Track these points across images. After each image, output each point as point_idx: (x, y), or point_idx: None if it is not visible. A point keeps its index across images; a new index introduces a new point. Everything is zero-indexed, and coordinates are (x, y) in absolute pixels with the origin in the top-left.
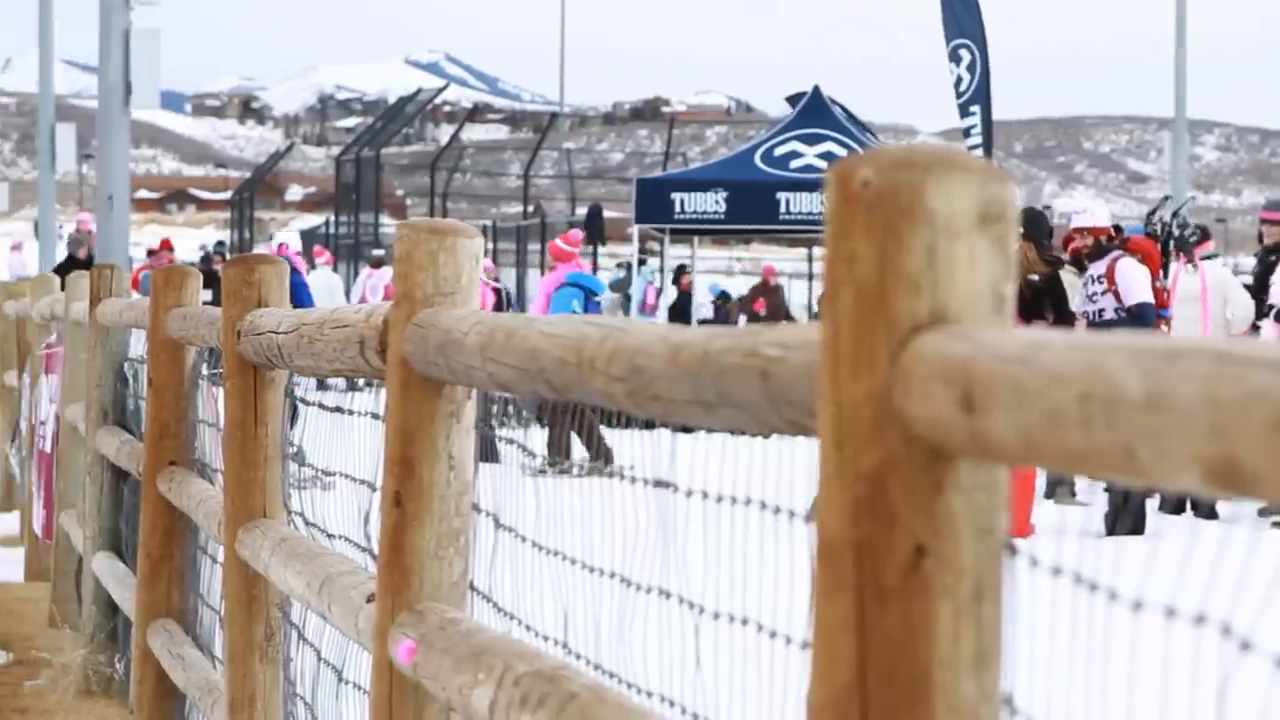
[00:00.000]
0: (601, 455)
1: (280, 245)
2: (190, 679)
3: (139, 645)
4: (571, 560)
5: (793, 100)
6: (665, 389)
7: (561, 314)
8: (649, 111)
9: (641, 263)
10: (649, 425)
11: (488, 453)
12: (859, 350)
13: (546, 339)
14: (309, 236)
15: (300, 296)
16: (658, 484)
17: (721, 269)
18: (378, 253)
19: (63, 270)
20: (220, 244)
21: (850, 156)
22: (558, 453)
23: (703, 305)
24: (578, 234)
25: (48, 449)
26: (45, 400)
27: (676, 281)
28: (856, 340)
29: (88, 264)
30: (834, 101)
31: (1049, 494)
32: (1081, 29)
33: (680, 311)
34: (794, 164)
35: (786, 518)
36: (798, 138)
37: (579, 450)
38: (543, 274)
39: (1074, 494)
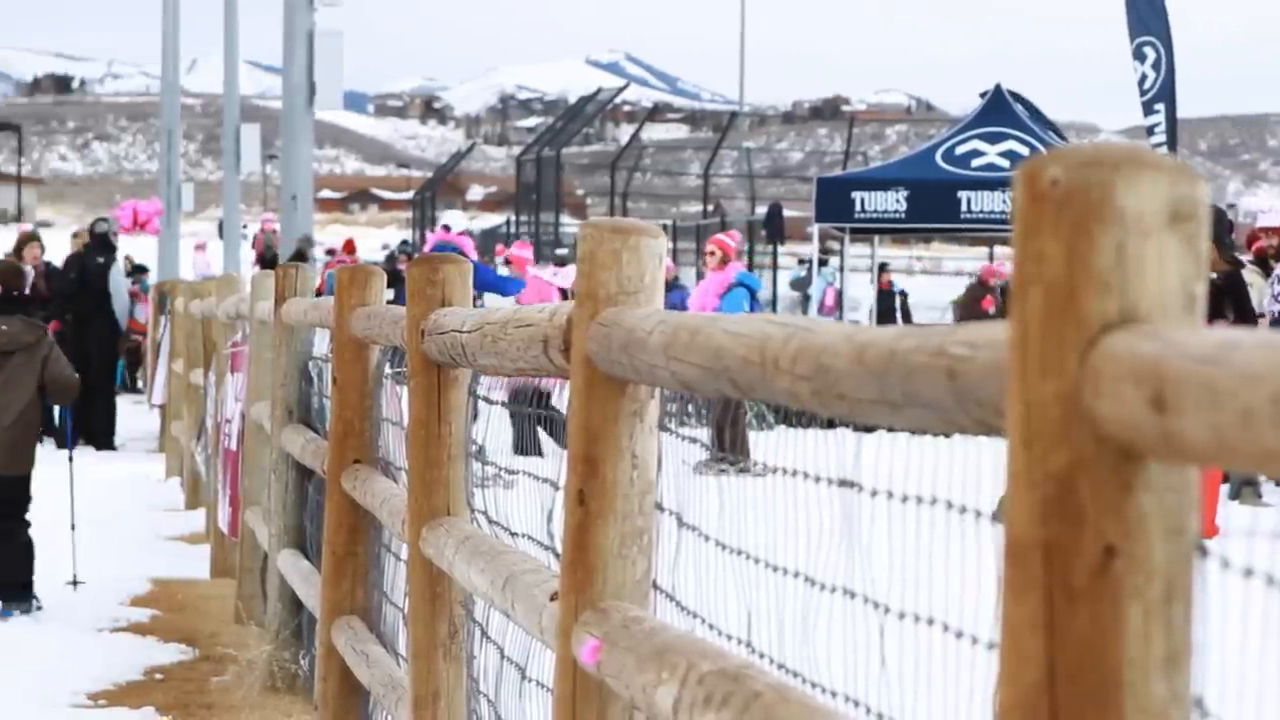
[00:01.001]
0: (742, 454)
1: (442, 228)
2: (374, 676)
3: (323, 642)
4: (755, 559)
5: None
6: (851, 388)
7: (742, 313)
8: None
9: (822, 263)
10: (829, 424)
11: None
12: (1048, 350)
13: (730, 338)
14: (489, 236)
15: (483, 275)
16: (842, 483)
17: (901, 268)
18: (561, 252)
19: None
20: (405, 243)
21: (1039, 155)
22: (732, 451)
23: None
24: (736, 234)
25: (233, 447)
26: (231, 399)
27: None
28: (1045, 339)
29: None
30: (1016, 99)
31: (1234, 495)
32: (1267, 24)
33: (883, 311)
34: (975, 163)
35: (972, 517)
36: (979, 136)
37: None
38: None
39: (1259, 495)
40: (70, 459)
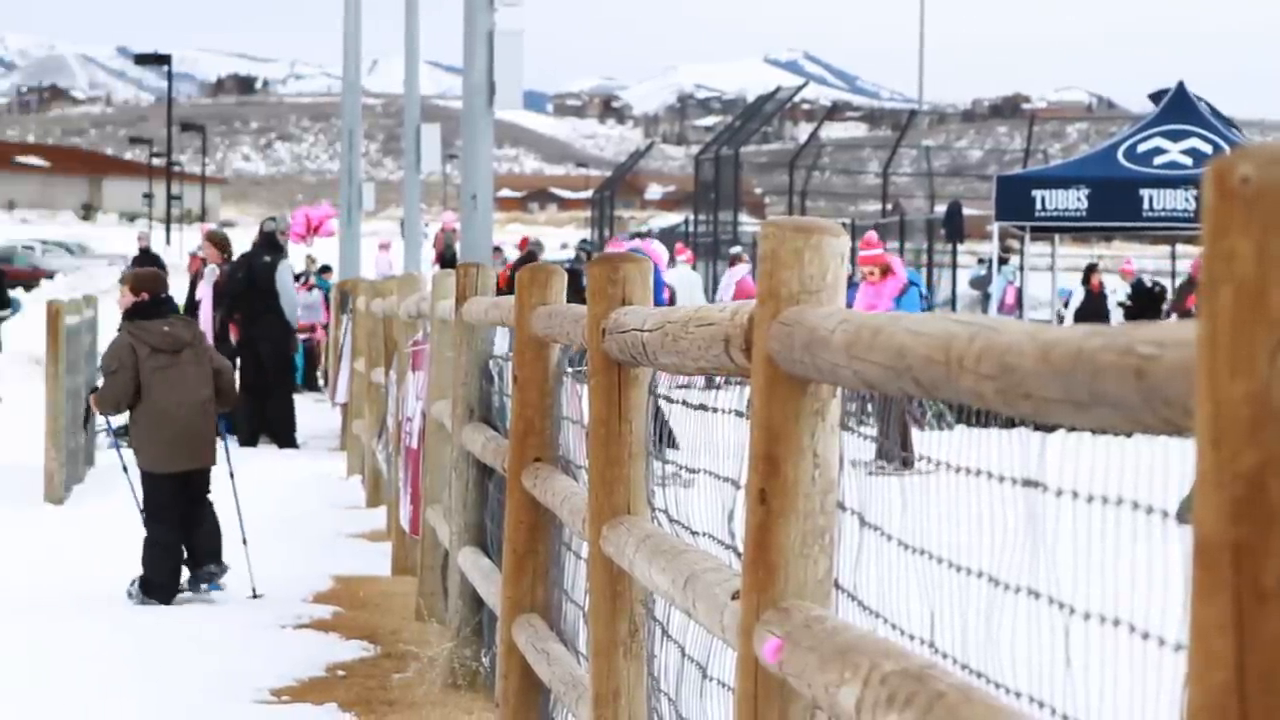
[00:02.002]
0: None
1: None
2: (555, 673)
3: (504, 640)
4: (938, 559)
5: (1155, 98)
6: (1036, 387)
7: (924, 313)
8: (1008, 109)
9: (1003, 261)
10: (1009, 424)
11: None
12: (1237, 349)
13: (913, 337)
14: (668, 235)
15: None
16: (1026, 483)
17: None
18: (735, 250)
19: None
20: (585, 242)
21: (1227, 153)
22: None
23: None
24: (873, 236)
25: (414, 445)
26: (412, 397)
27: (1086, 282)
28: (1235, 339)
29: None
30: (1198, 98)
31: None
32: None
33: (1091, 313)
34: (1158, 160)
35: (1158, 517)
36: (1162, 134)
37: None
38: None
39: None
40: (231, 475)
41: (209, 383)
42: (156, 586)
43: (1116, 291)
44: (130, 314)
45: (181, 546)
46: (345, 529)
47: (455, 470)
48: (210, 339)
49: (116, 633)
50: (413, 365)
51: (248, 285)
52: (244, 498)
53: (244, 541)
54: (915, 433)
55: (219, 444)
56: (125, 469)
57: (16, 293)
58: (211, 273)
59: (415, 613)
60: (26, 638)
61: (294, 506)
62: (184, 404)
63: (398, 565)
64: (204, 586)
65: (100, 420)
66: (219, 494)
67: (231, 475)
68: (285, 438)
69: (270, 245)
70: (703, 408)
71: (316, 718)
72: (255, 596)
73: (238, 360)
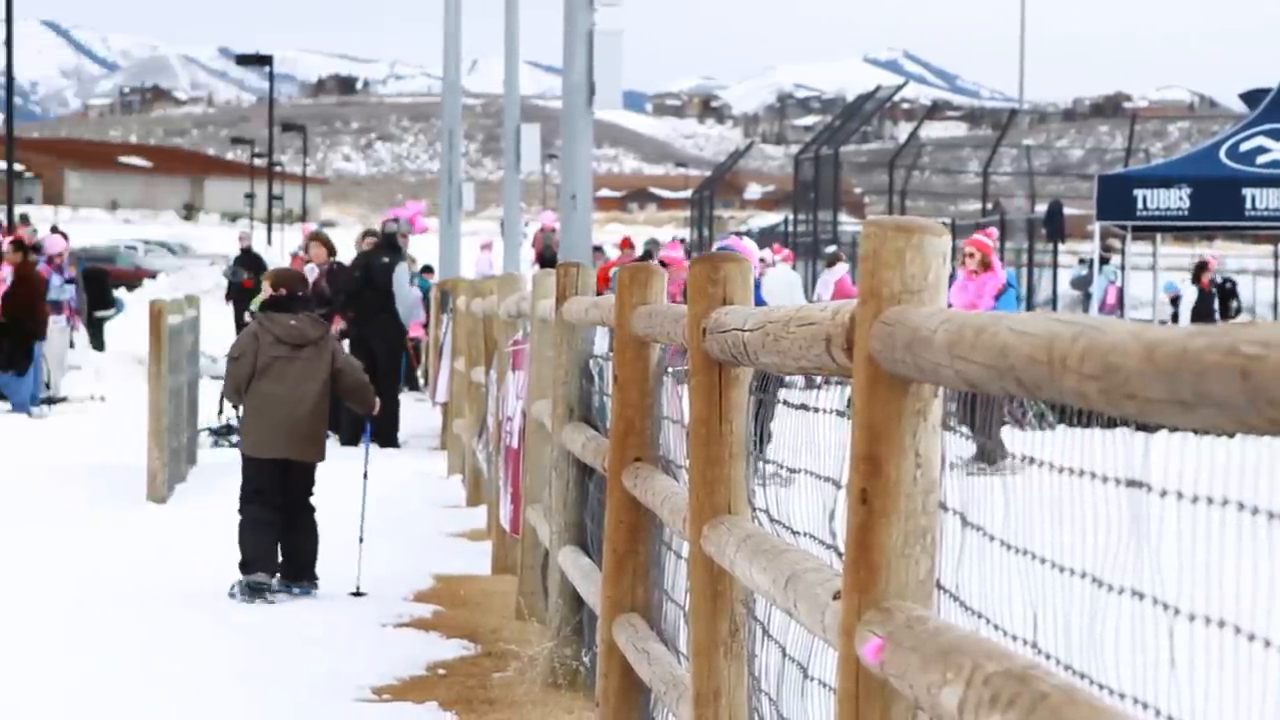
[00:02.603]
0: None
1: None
2: (655, 673)
3: (604, 639)
4: (1041, 559)
5: (1246, 97)
6: (1140, 388)
7: (1025, 312)
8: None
9: (1104, 260)
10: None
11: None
12: None
13: (1016, 336)
14: (767, 234)
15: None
16: (1130, 483)
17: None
18: (832, 249)
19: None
20: (680, 242)
21: None
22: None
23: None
24: (993, 231)
25: (514, 445)
26: (512, 397)
27: (1196, 280)
28: None
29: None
30: None
31: None
32: None
33: (1204, 312)
34: (1260, 160)
35: (1264, 519)
36: (1265, 133)
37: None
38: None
39: None
40: (366, 475)
41: (322, 381)
42: (253, 561)
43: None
44: (264, 306)
45: (275, 525)
46: (446, 528)
47: (555, 470)
48: None
49: (220, 630)
50: (513, 364)
51: (364, 284)
52: (348, 496)
53: (360, 540)
54: (1016, 433)
55: (355, 430)
56: (366, 475)
57: (119, 293)
58: (311, 272)
59: (515, 612)
60: (131, 636)
61: (395, 506)
62: (291, 395)
63: (498, 564)
64: (295, 590)
65: (229, 410)
66: (343, 490)
67: (366, 476)
68: (387, 437)
69: (390, 246)
70: (804, 407)
71: (417, 716)
72: (358, 594)
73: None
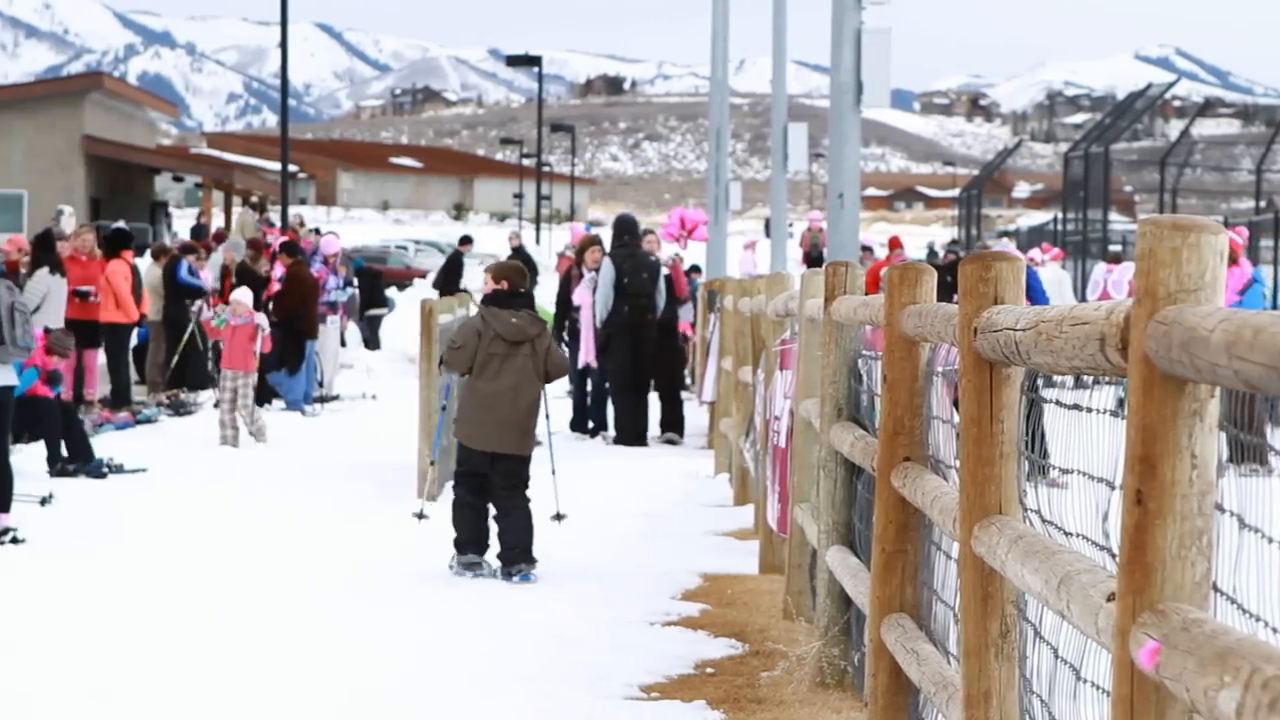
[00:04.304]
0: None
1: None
2: (924, 674)
3: (873, 639)
4: None
5: None
6: None
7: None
8: None
9: None
10: None
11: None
12: None
13: None
14: (1036, 233)
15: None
16: None
17: None
18: (1115, 248)
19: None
20: (954, 242)
21: None
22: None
23: None
24: (1244, 230)
25: (782, 444)
26: (779, 396)
27: None
28: None
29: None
30: None
31: None
32: None
33: None
34: None
35: None
36: None
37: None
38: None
39: None
40: (553, 472)
41: (536, 378)
42: (464, 543)
43: None
44: (487, 299)
45: (481, 509)
46: (713, 527)
47: (823, 469)
48: (590, 343)
49: (488, 628)
50: (781, 364)
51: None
52: (614, 495)
53: (557, 519)
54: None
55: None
56: (554, 472)
57: (390, 292)
58: (591, 280)
59: (783, 611)
60: (402, 632)
61: (661, 504)
62: (507, 392)
63: (765, 563)
64: (515, 578)
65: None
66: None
67: (553, 472)
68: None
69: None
70: (1076, 407)
71: (686, 715)
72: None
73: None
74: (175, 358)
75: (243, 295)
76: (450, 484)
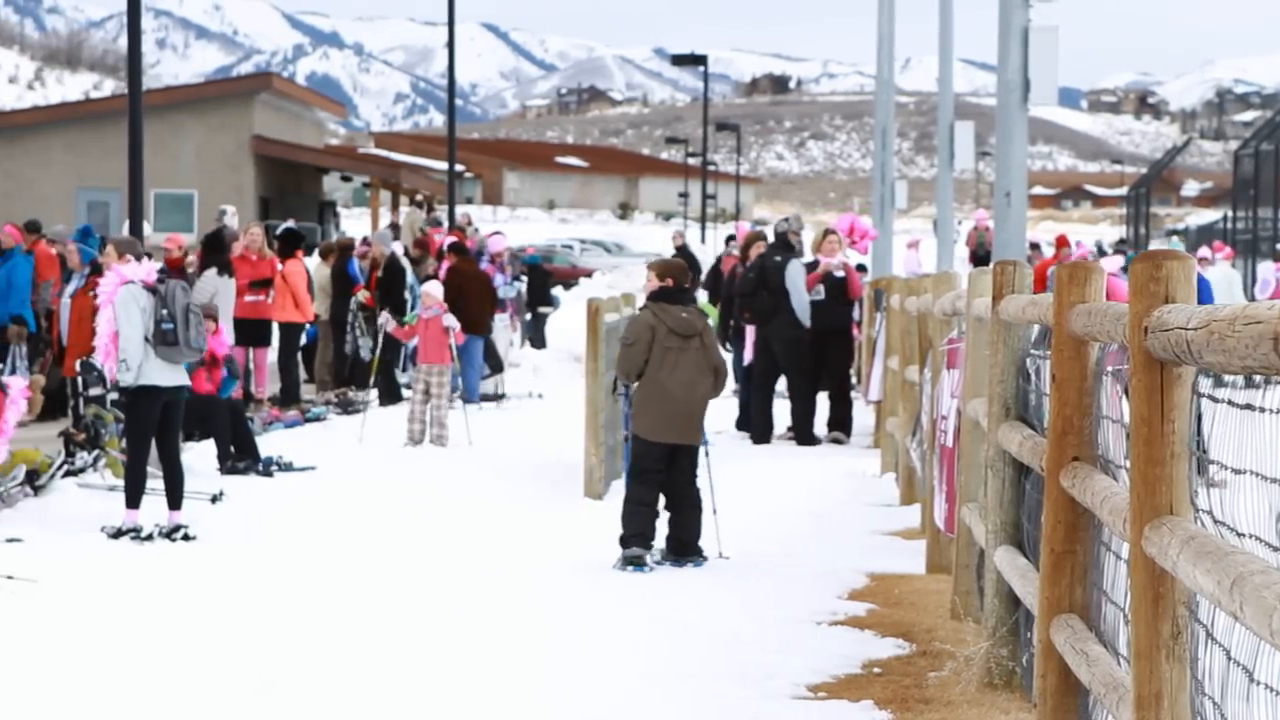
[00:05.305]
0: None
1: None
2: (1094, 675)
3: (1041, 640)
4: None
5: None
6: None
7: None
8: None
9: None
10: None
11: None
12: None
13: None
14: (1205, 232)
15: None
16: None
17: None
18: None
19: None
20: (1121, 241)
21: None
22: None
23: None
24: None
25: (949, 444)
26: (947, 395)
27: None
28: None
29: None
30: None
31: None
32: None
33: None
34: None
35: None
36: None
37: None
38: None
39: None
40: (707, 453)
41: (707, 371)
42: (634, 537)
43: None
44: (654, 296)
45: (656, 505)
46: (879, 527)
47: (991, 468)
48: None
49: (655, 626)
50: (948, 363)
51: (759, 285)
52: (780, 494)
53: (714, 511)
54: None
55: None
56: (709, 468)
57: (556, 291)
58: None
59: (950, 611)
60: (571, 630)
61: (828, 503)
62: (683, 386)
63: (932, 563)
64: (688, 565)
65: (620, 387)
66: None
67: (707, 454)
68: (804, 435)
69: (782, 245)
70: (1249, 407)
71: (853, 715)
72: (722, 557)
73: (744, 358)
74: (374, 375)
75: (433, 288)
76: (615, 483)
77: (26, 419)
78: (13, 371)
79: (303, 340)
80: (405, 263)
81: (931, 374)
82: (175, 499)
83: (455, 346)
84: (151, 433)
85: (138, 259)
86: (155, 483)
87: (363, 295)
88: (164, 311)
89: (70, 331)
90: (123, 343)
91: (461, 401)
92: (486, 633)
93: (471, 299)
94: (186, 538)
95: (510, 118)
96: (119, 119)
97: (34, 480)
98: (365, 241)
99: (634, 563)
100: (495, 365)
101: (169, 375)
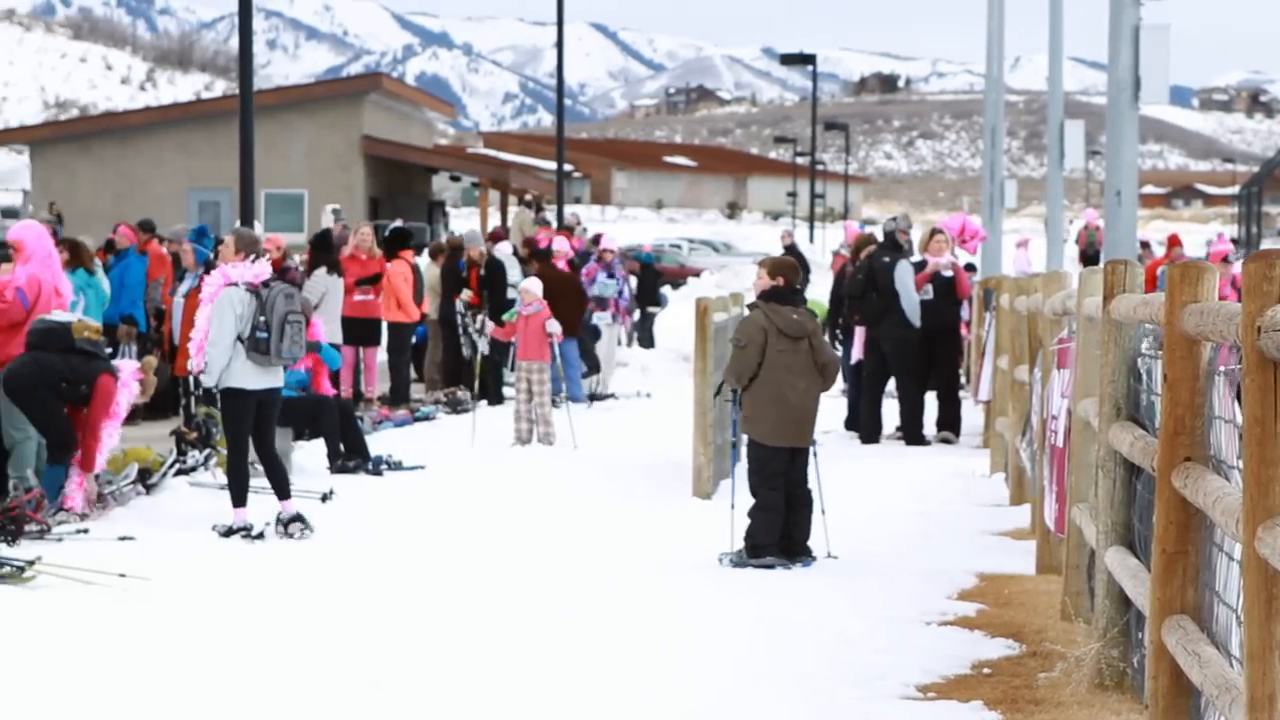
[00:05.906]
0: None
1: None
2: (1206, 676)
3: (1153, 641)
4: None
5: None
6: None
7: None
8: None
9: None
10: None
11: None
12: None
13: None
14: None
15: None
16: None
17: None
18: None
19: None
20: (1235, 240)
21: None
22: None
23: None
24: None
25: (1060, 444)
26: (1057, 395)
27: None
28: None
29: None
30: None
31: None
32: None
33: None
34: None
35: None
36: None
37: None
38: None
39: None
40: (814, 451)
41: (817, 372)
42: (762, 546)
43: None
44: (765, 296)
45: (783, 509)
46: (989, 527)
47: (1102, 469)
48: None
49: (765, 626)
50: (1058, 363)
51: (868, 286)
52: (889, 494)
53: (822, 511)
54: None
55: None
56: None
57: (664, 290)
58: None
59: (1060, 611)
60: (681, 629)
61: (937, 503)
62: (797, 387)
63: (1042, 564)
64: (801, 564)
65: (727, 391)
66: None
67: (814, 451)
68: (913, 435)
69: (891, 245)
70: None
71: (963, 715)
72: (830, 557)
73: (853, 357)
74: (477, 381)
75: (532, 284)
76: (724, 482)
77: (140, 400)
78: None
79: (413, 340)
80: (513, 261)
81: (1042, 374)
82: (282, 490)
83: (555, 346)
84: (246, 432)
85: (257, 257)
86: (262, 481)
87: (467, 295)
88: (261, 319)
89: (182, 330)
90: (208, 346)
91: (569, 403)
92: (596, 631)
93: (558, 301)
94: (305, 526)
95: (619, 117)
96: (230, 119)
97: (146, 479)
98: (493, 237)
99: (764, 568)
100: (592, 365)
101: (259, 378)
